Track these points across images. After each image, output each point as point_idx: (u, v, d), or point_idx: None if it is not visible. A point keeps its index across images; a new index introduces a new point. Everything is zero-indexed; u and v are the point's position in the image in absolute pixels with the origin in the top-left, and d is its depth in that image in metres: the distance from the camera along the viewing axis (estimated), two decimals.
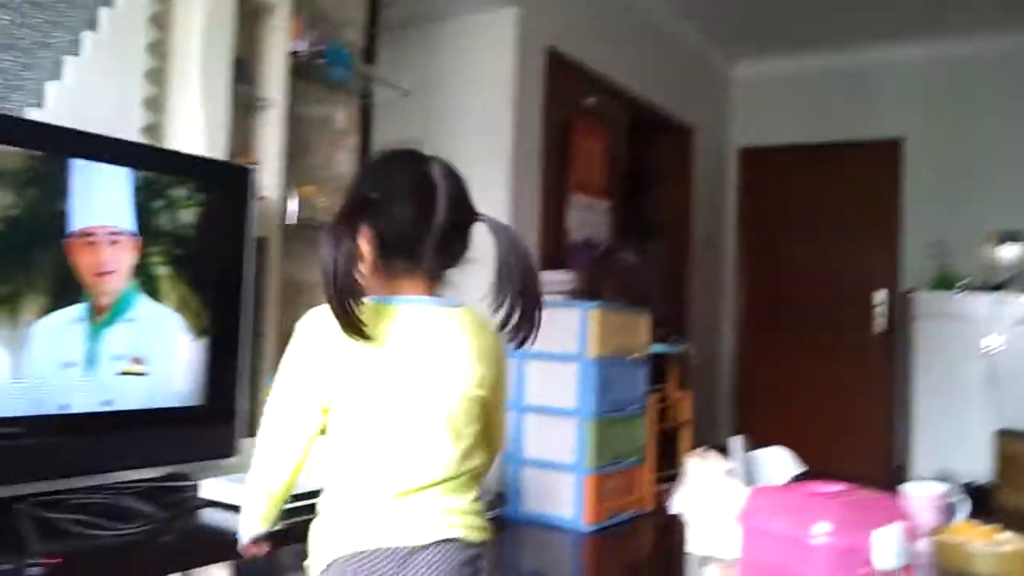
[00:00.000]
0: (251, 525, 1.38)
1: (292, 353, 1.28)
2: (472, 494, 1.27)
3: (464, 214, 1.29)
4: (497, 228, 1.30)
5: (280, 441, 1.29)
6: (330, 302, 1.18)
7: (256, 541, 1.41)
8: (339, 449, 1.27)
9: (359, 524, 1.22)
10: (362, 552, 1.20)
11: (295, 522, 1.58)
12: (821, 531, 1.21)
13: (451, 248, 1.28)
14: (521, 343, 1.29)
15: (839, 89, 6.04)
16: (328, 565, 1.23)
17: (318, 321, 1.24)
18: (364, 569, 1.19)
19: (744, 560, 1.28)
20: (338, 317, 1.18)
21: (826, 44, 5.87)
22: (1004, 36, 5.46)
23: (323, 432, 1.29)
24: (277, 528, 1.42)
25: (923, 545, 1.64)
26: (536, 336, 1.30)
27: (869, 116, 5.92)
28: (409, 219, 1.25)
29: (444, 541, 1.21)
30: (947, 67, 5.71)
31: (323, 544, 1.25)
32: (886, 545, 1.21)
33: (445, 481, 1.23)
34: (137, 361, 2.08)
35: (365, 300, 1.20)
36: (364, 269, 1.25)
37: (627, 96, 5.13)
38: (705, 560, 1.10)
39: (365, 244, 1.24)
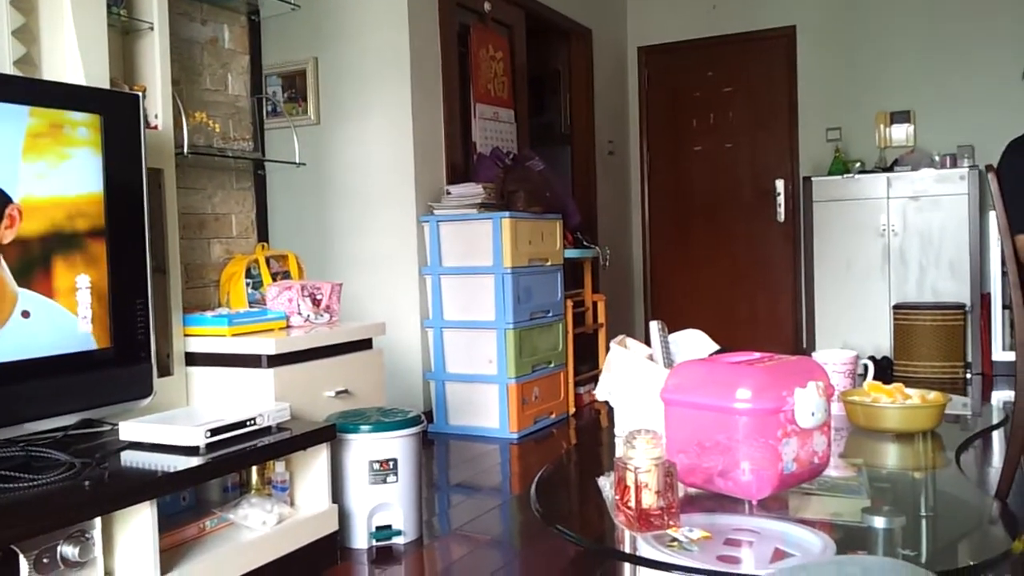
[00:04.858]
0: None
1: None
2: None
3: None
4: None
5: None
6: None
7: None
8: None
9: None
10: None
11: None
12: (743, 397, 1.26)
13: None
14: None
15: None
16: None
17: None
18: None
19: (669, 434, 1.33)
20: None
21: None
22: None
23: None
24: None
25: (835, 406, 1.72)
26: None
27: (762, 5, 5.97)
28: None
29: None
30: None
31: None
32: (806, 403, 1.27)
33: None
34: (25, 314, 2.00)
35: None
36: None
37: (524, 0, 5.05)
38: (633, 433, 1.14)
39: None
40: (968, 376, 5.04)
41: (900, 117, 5.61)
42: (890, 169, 5.42)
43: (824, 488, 1.52)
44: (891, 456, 1.80)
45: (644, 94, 6.47)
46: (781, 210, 5.99)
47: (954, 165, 5.25)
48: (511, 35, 5.04)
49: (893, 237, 5.31)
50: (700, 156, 6.28)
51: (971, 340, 5.08)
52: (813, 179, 5.55)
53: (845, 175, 5.45)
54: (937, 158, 5.34)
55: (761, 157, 6.07)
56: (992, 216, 4.81)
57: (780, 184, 5.98)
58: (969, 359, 5.07)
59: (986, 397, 4.65)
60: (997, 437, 3.18)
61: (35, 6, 2.35)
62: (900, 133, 5.62)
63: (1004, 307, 5.04)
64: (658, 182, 6.47)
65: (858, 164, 5.51)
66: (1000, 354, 5.08)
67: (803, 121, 5.92)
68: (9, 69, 2.24)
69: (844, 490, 1.61)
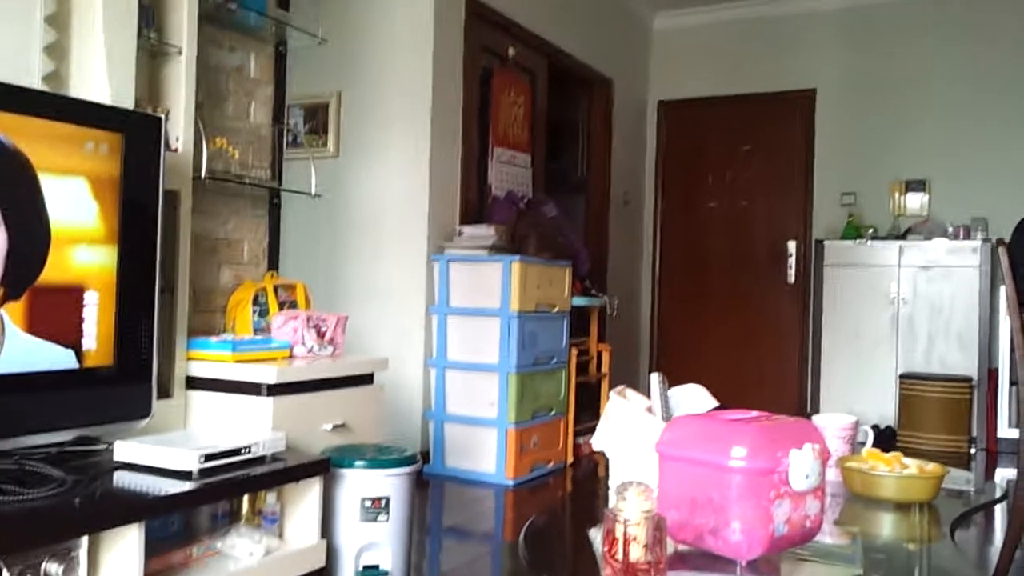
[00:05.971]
0: None
1: None
2: None
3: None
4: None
5: None
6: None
7: None
8: None
9: None
10: None
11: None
12: (738, 455, 1.25)
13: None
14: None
15: (756, 40, 6.14)
16: None
17: None
18: None
19: (662, 488, 1.32)
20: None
21: None
22: None
23: None
24: None
25: (832, 472, 1.71)
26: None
27: (784, 67, 6.03)
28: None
29: None
30: (859, 16, 5.84)
31: None
32: (801, 465, 1.26)
33: None
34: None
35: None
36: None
37: (548, 48, 5.12)
38: (625, 485, 1.13)
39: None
40: (973, 451, 4.98)
41: (915, 186, 5.62)
42: (903, 237, 5.42)
43: (817, 554, 1.50)
44: (887, 526, 1.77)
45: (661, 147, 6.52)
46: (792, 272, 5.99)
47: (967, 237, 5.25)
48: (533, 81, 5.10)
49: (903, 306, 5.30)
50: (714, 213, 6.30)
51: (977, 415, 5.03)
52: (825, 242, 5.56)
53: (858, 240, 5.45)
54: (951, 229, 5.34)
55: (775, 217, 6.08)
56: (1003, 290, 4.79)
57: (792, 245, 5.99)
58: (974, 434, 5.02)
59: (990, 474, 4.59)
60: (1000, 515, 3.13)
61: (68, 24, 2.39)
62: (915, 202, 5.63)
63: (1011, 383, 5.00)
64: (671, 235, 6.49)
65: (871, 230, 5.52)
66: (1006, 431, 5.02)
67: (818, 184, 5.94)
68: (38, 84, 2.28)
69: (837, 557, 1.59)
